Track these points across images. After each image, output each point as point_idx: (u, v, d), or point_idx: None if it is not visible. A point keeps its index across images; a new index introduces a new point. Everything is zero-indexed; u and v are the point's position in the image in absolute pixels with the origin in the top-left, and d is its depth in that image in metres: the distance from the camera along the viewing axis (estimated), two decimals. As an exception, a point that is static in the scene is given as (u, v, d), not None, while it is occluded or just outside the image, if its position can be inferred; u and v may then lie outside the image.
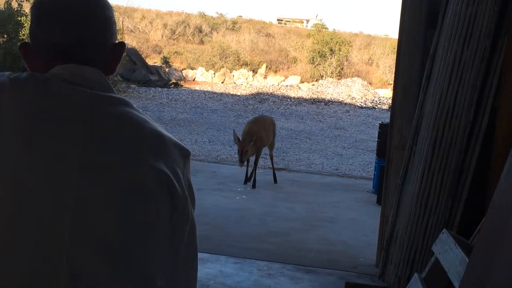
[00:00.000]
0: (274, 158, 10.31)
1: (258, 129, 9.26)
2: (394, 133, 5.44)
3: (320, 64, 29.80)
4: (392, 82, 9.36)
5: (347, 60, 30.60)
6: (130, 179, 1.32)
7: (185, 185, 1.41)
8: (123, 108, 1.37)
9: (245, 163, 9.15)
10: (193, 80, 27.91)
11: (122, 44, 1.48)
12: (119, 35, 22.58)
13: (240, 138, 9.04)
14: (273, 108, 21.11)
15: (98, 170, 1.30)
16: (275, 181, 9.70)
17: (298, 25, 43.39)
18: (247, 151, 8.85)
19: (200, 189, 8.64)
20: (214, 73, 28.58)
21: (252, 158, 9.60)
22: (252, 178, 9.35)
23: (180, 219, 1.40)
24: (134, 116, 1.38)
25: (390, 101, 17.41)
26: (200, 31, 33.02)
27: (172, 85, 25.34)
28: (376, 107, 23.08)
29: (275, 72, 29.76)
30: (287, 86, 27.07)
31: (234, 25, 34.46)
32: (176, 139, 1.43)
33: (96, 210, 1.29)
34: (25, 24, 17.64)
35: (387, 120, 7.30)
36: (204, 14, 35.42)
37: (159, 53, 29.79)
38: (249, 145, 8.89)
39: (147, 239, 1.33)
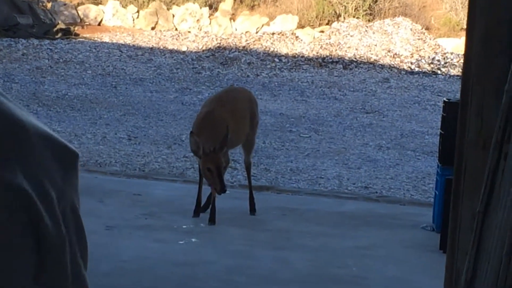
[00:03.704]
0: (252, 167, 8.55)
1: (225, 115, 7.57)
2: (470, 119, 3.92)
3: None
4: (466, 26, 6.05)
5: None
6: None
7: (63, 218, 0.99)
8: None
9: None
10: (99, 24, 22.44)
11: None
12: None
13: (199, 141, 7.16)
14: (248, 76, 16.54)
15: None
16: (253, 210, 8.02)
17: None
18: (224, 166, 7.28)
19: (112, 228, 7.34)
20: (138, 12, 22.34)
21: None
22: (210, 205, 7.61)
23: (53, 284, 0.99)
24: None
25: (462, 60, 15.21)
26: None
27: (60, 34, 20.01)
28: (439, 71, 18.71)
29: (252, 8, 23.13)
30: (273, 34, 21.16)
31: None
32: (51, 132, 1.04)
33: None
34: None
35: (458, 96, 5.65)
36: None
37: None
38: (222, 153, 7.17)
39: None
